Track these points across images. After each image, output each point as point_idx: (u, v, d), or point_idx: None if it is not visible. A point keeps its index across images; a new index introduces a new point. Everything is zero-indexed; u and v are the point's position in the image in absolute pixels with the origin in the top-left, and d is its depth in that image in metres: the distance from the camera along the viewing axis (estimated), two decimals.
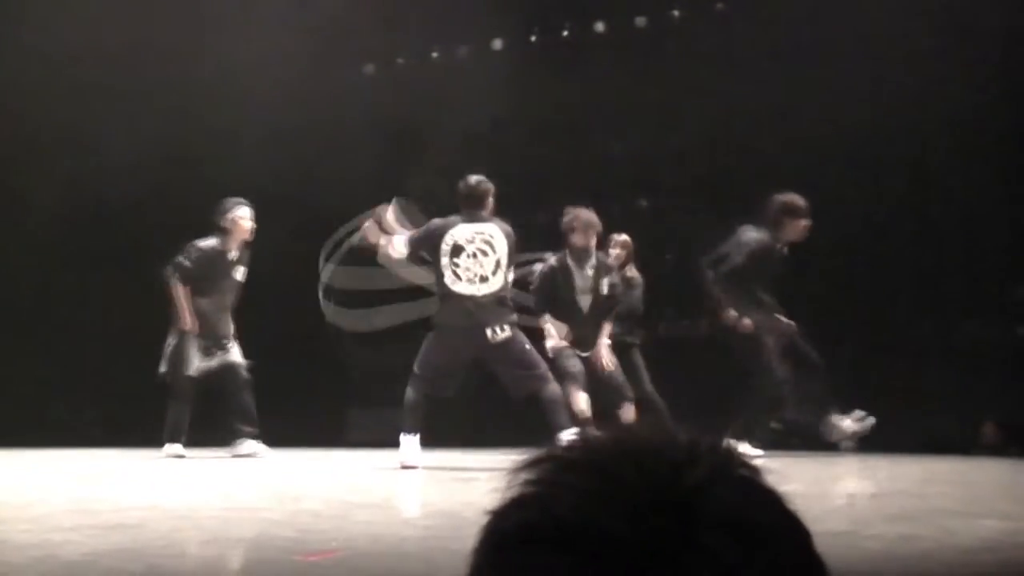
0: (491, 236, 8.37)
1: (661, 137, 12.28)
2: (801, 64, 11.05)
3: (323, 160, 11.77)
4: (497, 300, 8.29)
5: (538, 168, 12.26)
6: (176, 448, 9.65)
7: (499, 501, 0.89)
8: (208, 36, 11.30)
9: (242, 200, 9.95)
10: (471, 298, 8.25)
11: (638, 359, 10.20)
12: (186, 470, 8.49)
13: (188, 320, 9.73)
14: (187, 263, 9.78)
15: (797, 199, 9.44)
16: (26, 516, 5.78)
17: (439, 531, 5.52)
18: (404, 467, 8.00)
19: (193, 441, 9.85)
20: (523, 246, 8.91)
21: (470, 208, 8.44)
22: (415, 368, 8.35)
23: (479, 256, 8.31)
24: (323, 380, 12.06)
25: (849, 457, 10.18)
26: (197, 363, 9.78)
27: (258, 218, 9.97)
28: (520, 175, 10.23)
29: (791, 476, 0.91)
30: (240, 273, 10.03)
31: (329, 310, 10.31)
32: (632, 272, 10.42)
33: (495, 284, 8.30)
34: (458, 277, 8.28)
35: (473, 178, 8.56)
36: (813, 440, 10.27)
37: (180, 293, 9.76)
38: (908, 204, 11.38)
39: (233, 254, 9.95)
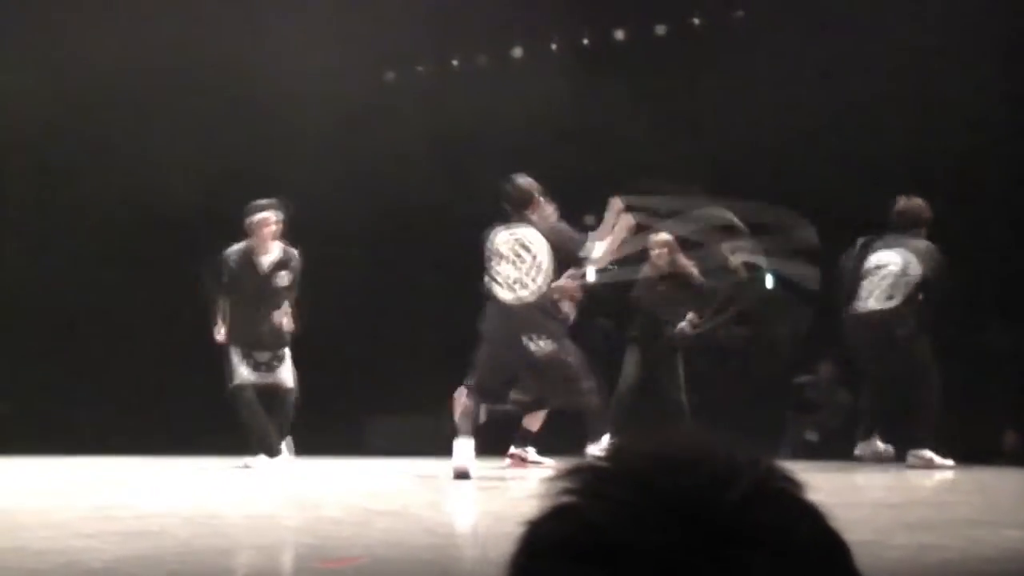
0: (529, 241, 8.21)
1: (729, 139, 12.26)
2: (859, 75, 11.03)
3: (375, 168, 11.70)
4: (539, 308, 8.11)
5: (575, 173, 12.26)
6: (266, 460, 9.29)
7: (537, 511, 0.88)
8: (260, 45, 11.30)
9: (267, 202, 9.76)
10: (509, 306, 8.13)
11: (677, 363, 9.91)
12: (207, 478, 8.49)
13: (217, 333, 9.57)
14: (222, 275, 9.66)
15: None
16: (48, 522, 5.79)
17: (459, 539, 5.52)
18: (458, 474, 7.77)
19: (212, 449, 9.86)
20: None
21: (515, 211, 8.34)
22: (470, 380, 8.24)
23: (516, 262, 8.17)
24: (342, 387, 12.07)
25: (871, 467, 10.14)
26: (245, 373, 9.55)
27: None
28: (564, 179, 10.12)
29: (813, 486, 0.90)
30: (282, 278, 9.74)
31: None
32: (681, 268, 9.96)
33: (535, 289, 8.13)
34: (499, 284, 8.19)
35: (518, 180, 8.42)
36: (837, 451, 10.26)
37: (216, 306, 9.63)
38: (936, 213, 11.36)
39: (267, 258, 9.72)
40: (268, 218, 9.68)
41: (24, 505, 6.53)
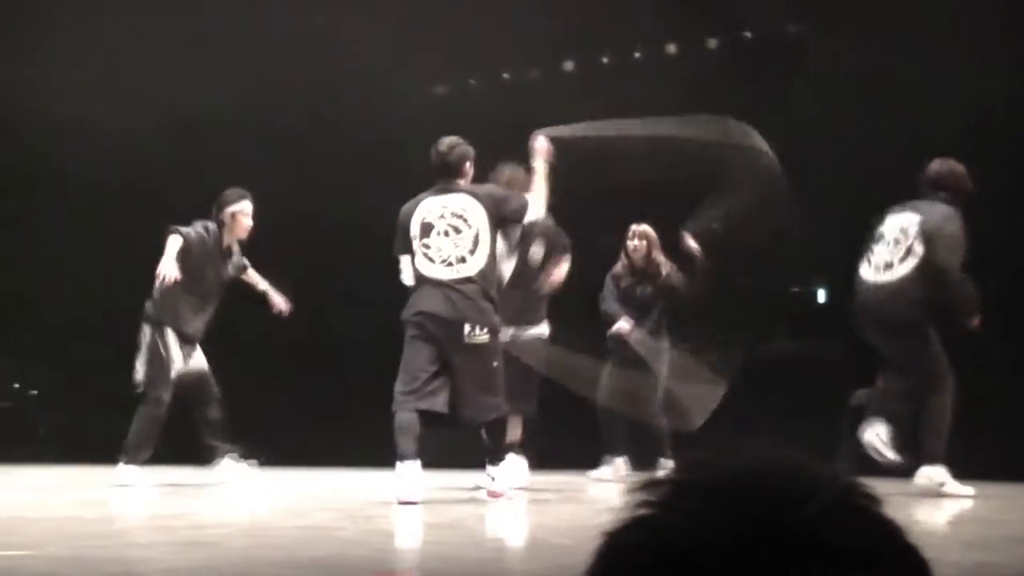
0: (464, 208, 7.13)
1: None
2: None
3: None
4: (482, 293, 7.02)
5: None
6: (131, 472, 8.39)
7: (614, 523, 0.88)
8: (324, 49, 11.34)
9: (244, 192, 8.84)
10: (449, 285, 7.01)
11: (664, 368, 9.42)
12: (257, 486, 8.53)
13: (168, 269, 8.30)
14: (187, 230, 8.55)
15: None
16: (104, 532, 5.86)
17: (510, 552, 5.53)
18: (402, 503, 6.83)
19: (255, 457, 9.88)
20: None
21: (442, 178, 7.24)
22: (397, 386, 7.08)
23: (451, 234, 7.08)
24: (390, 399, 12.09)
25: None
26: (178, 362, 8.70)
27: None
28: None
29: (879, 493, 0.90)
30: (231, 268, 8.89)
31: None
32: (663, 268, 9.58)
33: (476, 264, 7.05)
34: (430, 260, 7.08)
35: (445, 142, 7.31)
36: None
37: (172, 244, 8.42)
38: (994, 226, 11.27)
39: (228, 252, 8.87)
40: (245, 211, 8.78)
41: (82, 514, 6.61)
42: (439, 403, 7.05)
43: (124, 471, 8.34)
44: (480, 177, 7.62)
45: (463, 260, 7.03)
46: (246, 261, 9.02)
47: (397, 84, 12.16)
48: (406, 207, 7.25)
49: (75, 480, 8.70)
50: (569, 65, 13.30)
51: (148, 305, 8.70)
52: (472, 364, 6.99)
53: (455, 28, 11.80)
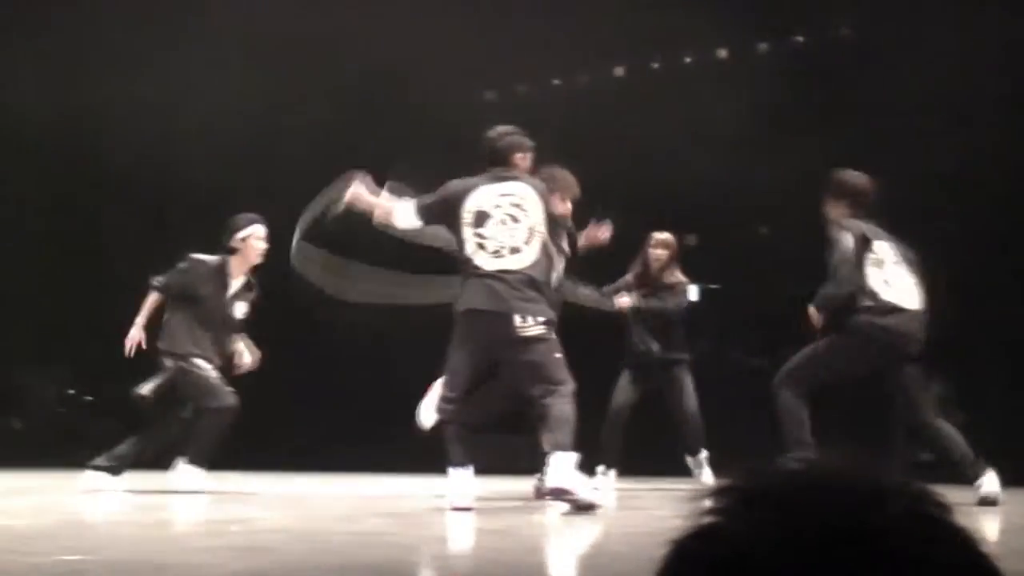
0: (522, 198, 6.89)
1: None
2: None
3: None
4: (531, 283, 6.76)
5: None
6: (194, 474, 8.51)
7: (680, 531, 0.88)
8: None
9: (256, 217, 8.67)
10: (500, 276, 6.75)
11: (684, 378, 9.19)
12: (313, 492, 8.58)
13: (134, 332, 8.53)
14: (166, 278, 8.60)
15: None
16: (165, 536, 5.91)
17: (566, 560, 5.52)
18: (454, 509, 6.75)
19: (316, 464, 9.93)
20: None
21: (496, 166, 6.99)
22: (442, 389, 7.00)
23: (508, 223, 6.82)
24: None
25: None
26: (214, 371, 8.63)
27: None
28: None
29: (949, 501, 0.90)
30: (240, 309, 8.73)
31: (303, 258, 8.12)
32: (676, 277, 9.31)
33: (529, 256, 6.80)
34: (483, 249, 6.82)
35: (499, 129, 7.12)
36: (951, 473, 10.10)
37: (149, 302, 8.61)
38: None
39: (237, 282, 8.68)
40: (258, 236, 8.63)
41: (138, 519, 6.67)
42: (481, 415, 7.04)
43: (186, 472, 8.43)
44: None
45: (516, 251, 6.79)
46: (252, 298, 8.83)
47: (452, 89, 12.20)
48: (458, 184, 6.97)
49: (131, 485, 8.76)
50: (619, 71, 13.29)
51: (162, 346, 8.65)
52: (527, 356, 6.74)
53: (505, 33, 11.82)
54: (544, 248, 6.86)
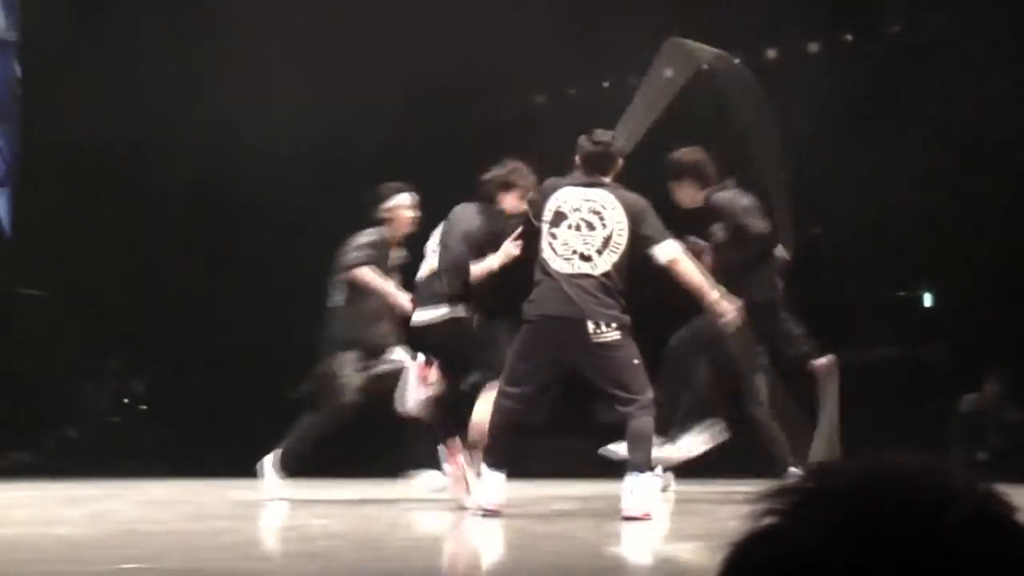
0: (603, 206, 6.69)
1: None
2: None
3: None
4: (603, 288, 6.58)
5: None
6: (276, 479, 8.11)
7: (742, 533, 0.86)
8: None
9: (401, 185, 8.40)
10: (568, 279, 6.58)
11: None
12: (363, 495, 8.56)
13: (395, 297, 8.03)
14: (359, 253, 8.16)
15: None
16: (218, 544, 5.90)
17: (624, 562, 5.48)
18: (483, 512, 6.58)
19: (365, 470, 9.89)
20: None
21: (589, 171, 6.83)
22: (500, 383, 6.80)
23: (583, 228, 6.65)
24: None
25: None
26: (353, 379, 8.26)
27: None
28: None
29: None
30: (397, 271, 8.40)
31: None
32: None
33: (601, 266, 6.60)
34: (554, 252, 6.66)
35: (599, 134, 6.97)
36: (1008, 472, 9.97)
37: (370, 274, 8.08)
38: None
39: (395, 253, 8.39)
40: (405, 204, 8.31)
41: (195, 527, 6.67)
42: (537, 417, 6.86)
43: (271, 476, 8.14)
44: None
45: (588, 258, 6.60)
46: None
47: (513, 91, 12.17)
48: (549, 183, 6.89)
49: (186, 493, 8.79)
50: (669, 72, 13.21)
51: (336, 329, 8.35)
52: (603, 363, 6.55)
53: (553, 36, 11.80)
54: (619, 262, 6.64)
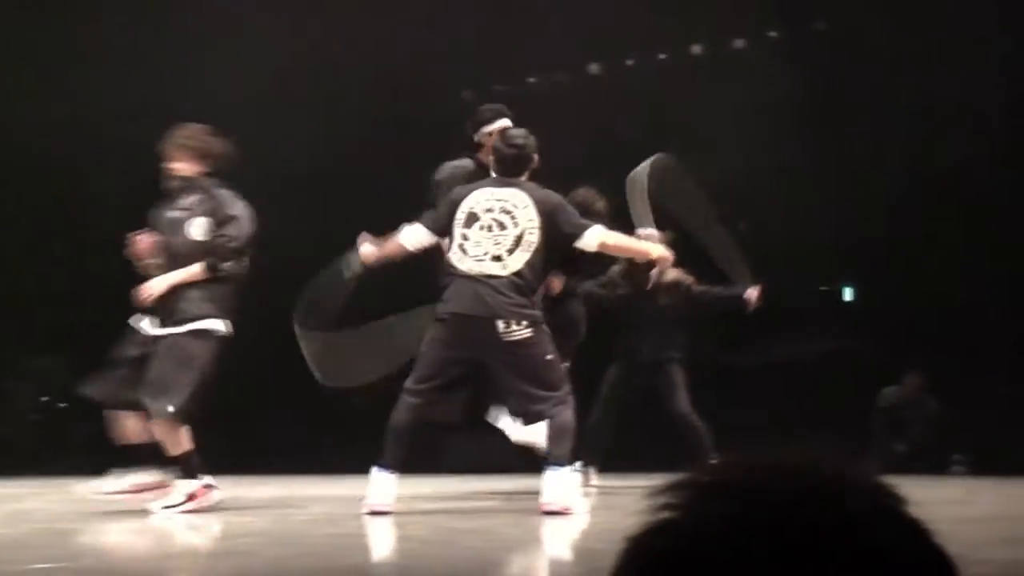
0: (515, 205, 6.72)
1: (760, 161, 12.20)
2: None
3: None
4: (513, 287, 6.60)
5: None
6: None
7: (639, 527, 0.87)
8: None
9: (501, 108, 7.65)
10: (479, 280, 6.60)
11: (676, 375, 8.85)
12: (290, 494, 8.55)
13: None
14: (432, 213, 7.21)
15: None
16: (137, 543, 5.89)
17: (543, 557, 5.52)
18: (372, 512, 6.57)
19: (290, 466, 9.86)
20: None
21: (504, 172, 6.85)
22: (407, 382, 6.77)
23: (495, 229, 6.68)
24: None
25: (959, 480, 10.04)
26: None
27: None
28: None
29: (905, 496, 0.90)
30: None
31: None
32: (671, 276, 8.89)
33: (512, 265, 6.63)
34: (464, 253, 6.69)
35: (513, 135, 6.96)
36: (925, 464, 10.17)
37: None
38: (1019, 225, 11.22)
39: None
40: (508, 124, 7.41)
41: (115, 525, 6.64)
42: (447, 413, 6.83)
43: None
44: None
45: (498, 258, 6.63)
46: None
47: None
48: (462, 189, 6.87)
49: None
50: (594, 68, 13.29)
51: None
52: (516, 360, 6.56)
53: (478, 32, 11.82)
54: (531, 260, 6.66)
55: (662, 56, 13.32)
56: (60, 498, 8.03)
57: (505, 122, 7.47)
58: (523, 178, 6.85)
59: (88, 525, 6.67)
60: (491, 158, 6.96)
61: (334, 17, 11.57)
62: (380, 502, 6.59)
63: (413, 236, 6.92)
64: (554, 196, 6.86)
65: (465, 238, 6.68)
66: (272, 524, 6.62)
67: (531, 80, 13.53)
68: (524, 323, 6.54)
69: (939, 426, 11.23)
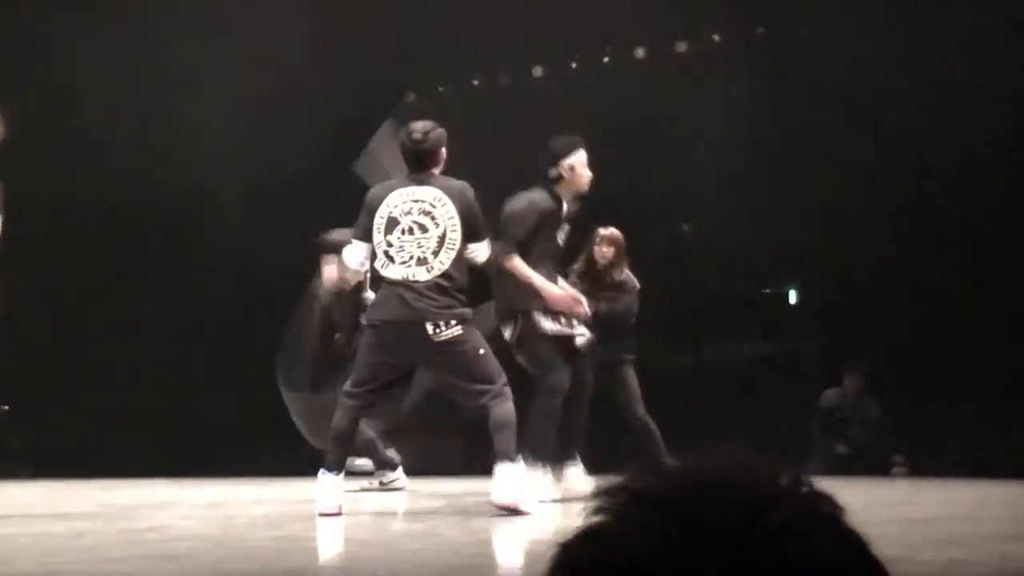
0: (432, 204, 6.67)
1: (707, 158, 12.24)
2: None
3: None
4: (439, 289, 6.58)
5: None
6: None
7: (570, 533, 0.87)
8: None
9: (578, 140, 7.67)
10: (406, 285, 6.58)
11: (630, 377, 8.70)
12: (231, 498, 8.49)
13: (552, 293, 7.41)
14: (518, 231, 7.39)
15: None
16: (77, 546, 5.81)
17: (486, 560, 5.51)
18: (323, 515, 6.63)
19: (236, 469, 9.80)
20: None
21: (414, 168, 6.78)
22: (346, 386, 6.80)
23: (416, 232, 6.63)
24: None
25: (899, 482, 10.12)
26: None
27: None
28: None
29: (840, 501, 0.89)
30: (563, 235, 7.69)
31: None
32: (623, 275, 8.72)
33: (437, 267, 6.61)
34: (390, 259, 6.65)
35: (419, 127, 6.82)
36: (866, 465, 10.24)
37: (522, 265, 7.30)
38: (960, 228, 11.32)
39: (563, 212, 7.63)
40: (583, 162, 7.56)
41: (54, 529, 6.56)
42: (384, 413, 6.99)
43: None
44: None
45: (424, 261, 6.62)
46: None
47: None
48: (376, 191, 6.80)
49: (49, 495, 8.63)
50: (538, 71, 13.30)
51: (507, 299, 7.62)
52: (450, 359, 6.64)
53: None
54: (457, 258, 6.67)
55: (606, 59, 13.35)
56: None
57: (582, 154, 7.58)
58: (436, 172, 6.79)
59: (21, 528, 6.58)
60: (405, 154, 6.85)
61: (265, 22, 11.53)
62: (330, 505, 6.63)
63: (355, 253, 6.88)
64: (469, 193, 6.79)
65: (389, 244, 6.65)
66: (212, 528, 6.57)
67: (475, 83, 13.52)
68: (453, 322, 6.56)
69: (879, 428, 11.32)
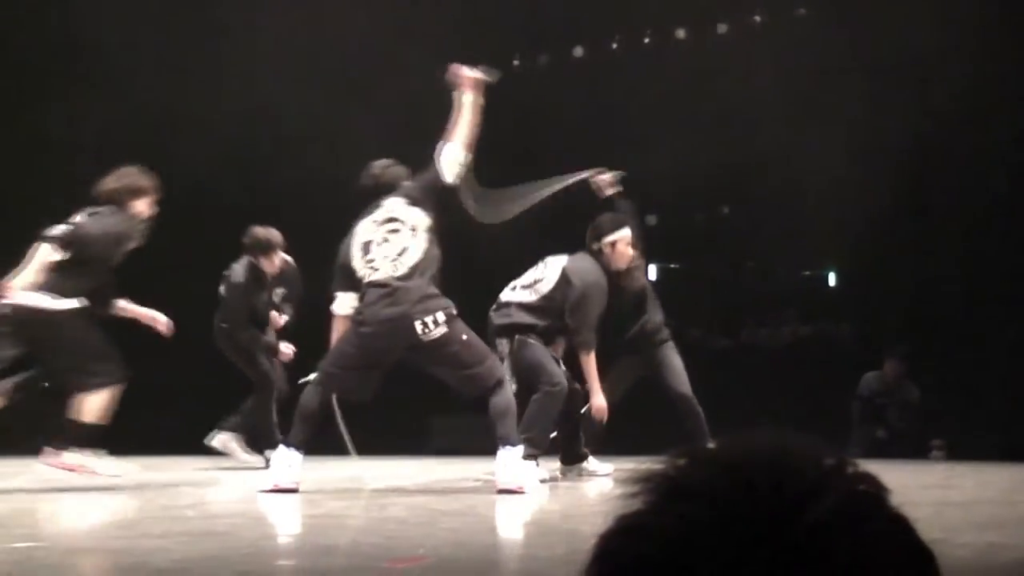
0: (391, 210, 7.02)
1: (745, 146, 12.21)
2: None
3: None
4: (420, 289, 6.83)
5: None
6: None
7: (609, 524, 0.86)
8: None
9: (623, 218, 8.15)
10: (390, 284, 6.84)
11: (670, 357, 8.49)
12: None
13: (601, 405, 7.95)
14: (595, 321, 7.84)
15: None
16: (119, 522, 5.88)
17: (526, 539, 5.53)
18: (277, 489, 6.81)
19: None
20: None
21: (374, 198, 7.17)
22: (323, 365, 7.05)
23: (390, 239, 6.97)
24: (406, 388, 12.09)
25: (937, 466, 10.08)
26: None
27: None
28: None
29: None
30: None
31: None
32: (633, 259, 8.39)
33: (415, 254, 6.88)
34: (375, 270, 6.94)
35: (377, 166, 7.27)
36: (904, 450, 10.20)
37: (593, 365, 7.89)
38: (1000, 213, 11.25)
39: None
40: (627, 239, 8.09)
41: (94, 506, 6.63)
42: (361, 394, 7.04)
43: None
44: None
45: (401, 261, 6.89)
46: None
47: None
48: (345, 244, 7.11)
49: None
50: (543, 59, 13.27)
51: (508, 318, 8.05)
52: (441, 356, 6.90)
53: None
54: (427, 247, 6.92)
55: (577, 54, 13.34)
56: (34, 478, 8.00)
57: (625, 232, 8.02)
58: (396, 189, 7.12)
59: (66, 505, 6.65)
60: (368, 190, 7.16)
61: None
62: (285, 479, 6.82)
63: (343, 303, 7.12)
64: (414, 179, 7.10)
65: (370, 261, 6.94)
66: (252, 505, 6.62)
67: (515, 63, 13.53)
68: (440, 316, 6.80)
69: (919, 412, 11.28)
